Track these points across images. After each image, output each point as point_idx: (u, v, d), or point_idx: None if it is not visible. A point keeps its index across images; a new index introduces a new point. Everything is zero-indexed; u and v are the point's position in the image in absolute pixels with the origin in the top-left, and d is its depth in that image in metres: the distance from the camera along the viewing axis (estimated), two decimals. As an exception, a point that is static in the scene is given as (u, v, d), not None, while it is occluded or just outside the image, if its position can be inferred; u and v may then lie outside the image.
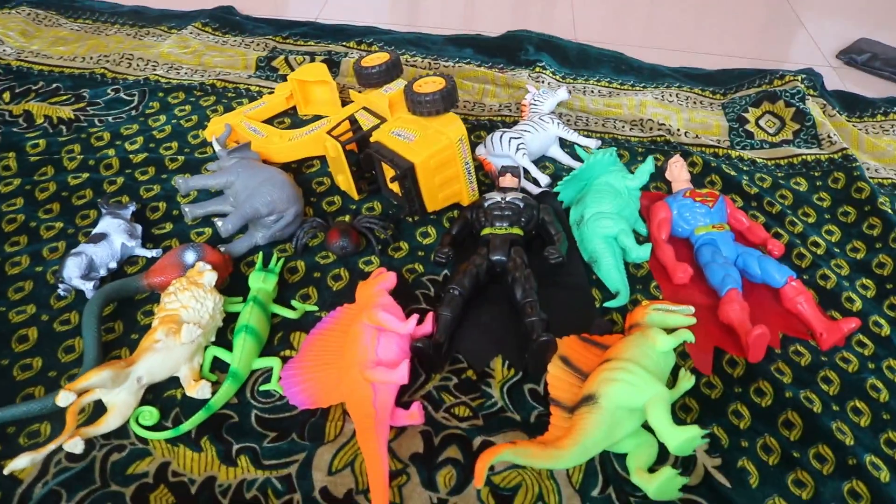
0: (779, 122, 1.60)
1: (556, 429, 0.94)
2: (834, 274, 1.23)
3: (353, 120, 1.31)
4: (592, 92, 1.71)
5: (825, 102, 1.65)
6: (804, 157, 1.49)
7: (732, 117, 1.63)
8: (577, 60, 1.83)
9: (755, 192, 1.38)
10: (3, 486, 0.88)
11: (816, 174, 1.45)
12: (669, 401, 0.91)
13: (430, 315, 1.05)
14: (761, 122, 1.60)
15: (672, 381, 1.01)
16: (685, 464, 0.95)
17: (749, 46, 2.02)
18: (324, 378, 1.00)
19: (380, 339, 0.99)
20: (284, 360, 1.04)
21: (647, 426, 0.92)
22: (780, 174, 1.46)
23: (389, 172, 1.21)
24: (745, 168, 1.47)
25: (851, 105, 1.72)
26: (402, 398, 0.99)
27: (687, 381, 0.99)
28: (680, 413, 1.00)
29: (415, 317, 1.01)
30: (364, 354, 0.97)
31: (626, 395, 0.90)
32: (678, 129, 1.57)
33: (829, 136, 1.52)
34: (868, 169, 1.47)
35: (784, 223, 1.33)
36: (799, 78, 1.67)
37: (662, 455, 0.93)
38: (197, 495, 0.89)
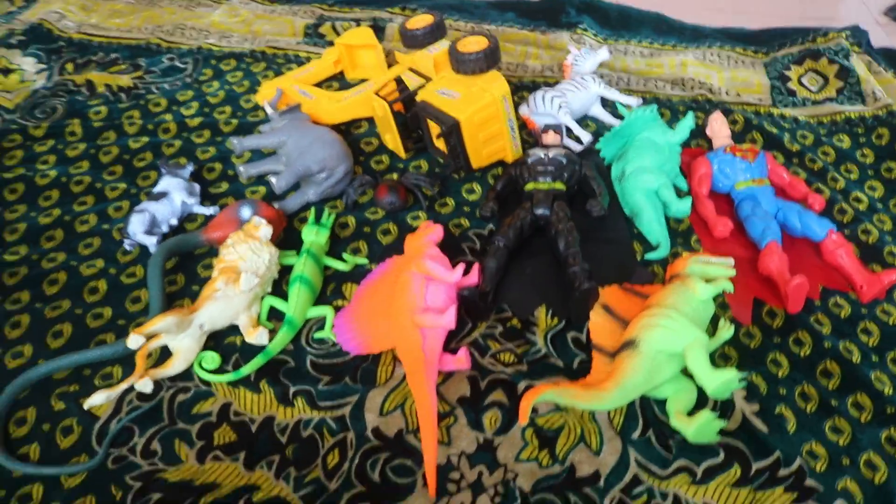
0: (822, 79, 1.59)
1: (598, 372, 0.97)
2: (876, 229, 1.23)
3: (399, 80, 1.35)
4: (633, 53, 1.71)
5: (871, 59, 1.63)
6: (847, 114, 1.48)
7: (775, 76, 1.62)
8: (617, 22, 1.83)
9: (797, 148, 1.38)
10: (83, 422, 0.96)
11: (860, 130, 1.44)
12: (708, 346, 0.94)
13: (475, 266, 1.09)
14: (804, 80, 1.59)
15: (712, 330, 1.02)
16: (724, 409, 0.97)
17: (794, 5, 1.99)
18: (375, 325, 1.05)
19: (428, 287, 1.02)
20: (337, 309, 1.09)
21: (686, 372, 0.95)
22: (822, 131, 1.45)
23: (435, 130, 1.24)
24: (786, 126, 1.47)
25: (899, 62, 1.69)
26: (450, 345, 1.04)
27: (727, 330, 1.01)
28: (719, 361, 1.03)
29: (461, 265, 1.04)
30: (413, 301, 1.01)
31: (666, 340, 0.93)
32: (719, 88, 1.58)
33: (873, 93, 1.51)
34: (914, 126, 1.46)
35: (826, 179, 1.33)
36: (843, 35, 1.65)
37: (701, 402, 0.96)
38: (257, 433, 0.95)
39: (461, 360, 1.00)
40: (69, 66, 1.64)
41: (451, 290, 1.04)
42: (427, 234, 1.11)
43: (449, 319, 0.99)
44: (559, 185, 1.21)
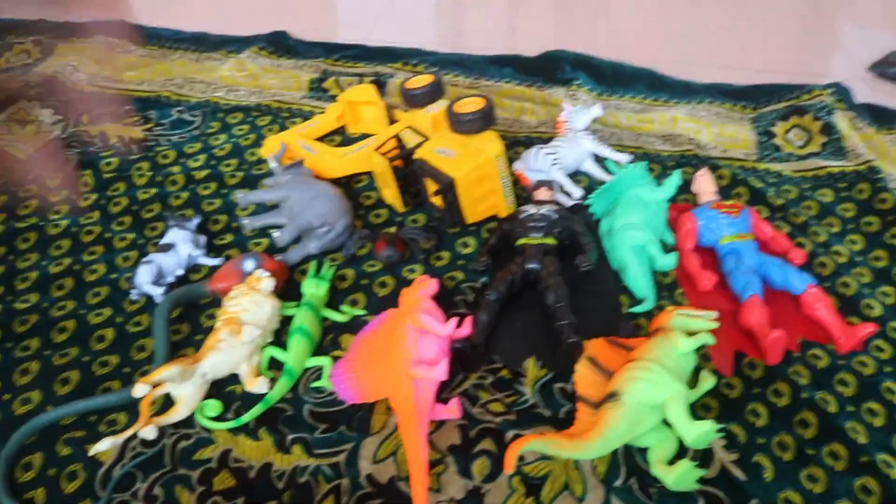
0: (806, 135, 1.64)
1: (582, 423, 1.00)
2: (855, 281, 1.26)
3: (398, 138, 1.40)
4: (626, 108, 1.76)
5: (854, 115, 1.68)
6: (830, 169, 1.53)
7: (761, 131, 1.67)
8: (611, 78, 1.89)
9: (780, 202, 1.42)
10: (87, 468, 1.00)
11: (842, 185, 1.48)
12: (688, 398, 0.98)
13: (468, 319, 1.12)
14: (789, 136, 1.64)
15: (695, 381, 1.06)
16: (703, 458, 1.00)
17: (782, 60, 2.03)
18: (370, 375, 1.08)
19: (422, 340, 1.06)
20: (334, 359, 1.14)
21: (667, 423, 0.98)
22: (806, 186, 1.49)
23: (432, 187, 1.29)
24: (771, 180, 1.51)
25: (882, 117, 1.72)
26: (442, 395, 1.07)
27: (708, 381, 1.05)
28: (700, 411, 1.06)
29: (454, 319, 1.08)
30: (407, 354, 1.05)
31: (647, 393, 0.97)
32: (707, 143, 1.62)
33: (854, 149, 1.56)
34: (895, 180, 1.50)
35: (808, 232, 1.36)
36: (827, 92, 1.70)
37: (684, 451, 0.99)
38: (256, 479, 0.99)
39: (452, 410, 1.04)
40: (84, 117, 1.70)
41: (444, 342, 1.08)
42: (422, 288, 1.15)
43: (441, 372, 1.02)
44: (550, 240, 1.26)
